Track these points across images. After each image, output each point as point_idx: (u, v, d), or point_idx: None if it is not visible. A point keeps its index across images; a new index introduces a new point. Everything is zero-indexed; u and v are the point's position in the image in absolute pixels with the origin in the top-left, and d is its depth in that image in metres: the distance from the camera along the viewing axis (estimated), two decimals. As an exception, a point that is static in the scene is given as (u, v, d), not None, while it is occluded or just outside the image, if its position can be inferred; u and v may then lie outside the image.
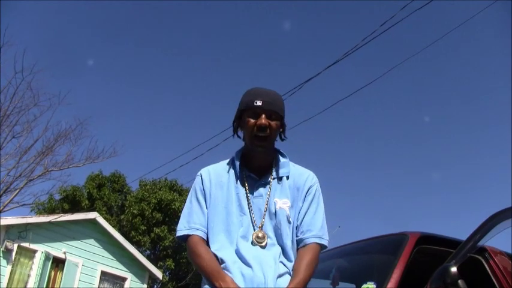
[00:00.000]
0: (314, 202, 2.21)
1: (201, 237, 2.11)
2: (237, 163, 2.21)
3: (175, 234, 2.25)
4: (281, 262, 2.06)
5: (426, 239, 3.20)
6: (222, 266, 2.01)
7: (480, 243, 2.75)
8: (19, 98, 12.12)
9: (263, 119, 2.10)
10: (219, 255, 2.04)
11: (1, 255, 13.98)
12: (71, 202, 24.33)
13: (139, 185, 26.87)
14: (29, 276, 14.67)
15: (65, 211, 21.10)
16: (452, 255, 2.62)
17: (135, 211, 25.14)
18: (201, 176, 2.25)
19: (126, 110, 41.58)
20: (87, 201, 24.81)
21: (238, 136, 2.27)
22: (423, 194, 43.01)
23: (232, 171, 2.23)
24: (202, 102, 44.06)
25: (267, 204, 2.13)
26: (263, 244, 2.06)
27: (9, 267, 14.18)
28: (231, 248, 2.05)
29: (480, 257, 3.29)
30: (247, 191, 2.16)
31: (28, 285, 14.51)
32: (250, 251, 2.02)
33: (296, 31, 42.93)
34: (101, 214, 19.48)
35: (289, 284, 1.97)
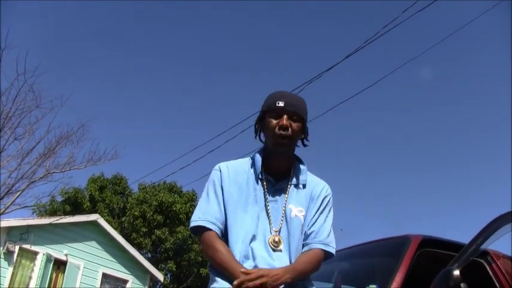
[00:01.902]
0: (324, 212, 2.21)
1: (217, 233, 2.07)
2: (259, 163, 2.19)
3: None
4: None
5: (428, 242, 3.20)
6: (245, 264, 2.00)
7: (483, 247, 2.74)
8: (21, 100, 12.14)
9: (285, 120, 2.11)
10: (238, 251, 2.03)
11: (2, 257, 13.98)
12: (73, 204, 24.32)
13: (139, 188, 26.87)
14: (30, 278, 14.66)
15: (66, 213, 21.10)
16: (454, 258, 2.62)
17: (136, 213, 25.12)
18: (220, 170, 2.21)
19: (127, 112, 41.61)
20: (88, 203, 24.80)
21: (261, 140, 2.27)
22: (426, 196, 42.98)
23: (251, 171, 2.21)
24: (202, 104, 44.11)
25: (284, 210, 2.13)
26: (279, 249, 2.05)
27: (11, 269, 14.19)
28: (245, 248, 2.03)
29: (483, 261, 3.29)
30: (266, 194, 2.15)
31: (29, 287, 14.51)
32: (262, 254, 2.02)
33: (298, 33, 42.98)
34: (103, 216, 19.50)
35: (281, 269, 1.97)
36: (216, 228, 2.08)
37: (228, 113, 40.33)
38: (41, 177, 12.46)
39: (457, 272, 2.46)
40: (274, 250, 2.04)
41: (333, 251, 2.17)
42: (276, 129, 2.11)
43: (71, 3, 29.65)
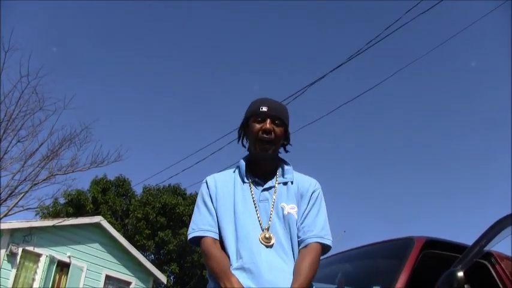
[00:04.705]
0: (316, 205, 2.25)
1: (213, 238, 2.13)
2: (243, 168, 2.27)
3: (186, 237, 2.31)
4: (289, 264, 2.08)
5: (432, 244, 3.19)
6: (238, 264, 2.03)
7: (486, 248, 2.74)
8: (24, 102, 12.08)
9: (268, 123, 2.19)
10: (232, 255, 2.07)
11: (6, 259, 14.00)
12: (76, 206, 24.36)
13: (143, 190, 26.95)
14: (33, 280, 14.69)
15: (69, 215, 21.11)
16: (458, 259, 2.62)
17: (139, 215, 25.16)
18: (207, 182, 2.29)
19: (131, 114, 41.68)
20: (91, 205, 24.83)
21: (243, 145, 2.35)
22: (427, 197, 42.87)
23: (237, 177, 2.28)
24: (205, 106, 44.13)
25: (272, 207, 2.17)
26: (270, 244, 2.08)
27: (14, 271, 14.21)
28: (242, 249, 2.06)
29: (486, 262, 3.28)
30: (253, 195, 2.20)
31: (33, 289, 14.54)
32: (260, 252, 2.04)
33: (300, 34, 43.00)
34: (106, 218, 19.50)
35: (293, 284, 1.98)
36: (211, 234, 2.14)
37: (231, 115, 40.34)
38: (44, 179, 12.41)
39: (461, 274, 2.46)
40: (266, 246, 2.07)
41: (330, 243, 2.18)
42: (260, 133, 2.19)
43: (71, 3, 29.71)
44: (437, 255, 3.22)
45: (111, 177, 27.15)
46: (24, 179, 12.07)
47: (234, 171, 2.32)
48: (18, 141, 12.18)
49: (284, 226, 2.14)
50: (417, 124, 41.90)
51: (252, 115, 2.25)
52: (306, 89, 9.33)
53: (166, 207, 25.69)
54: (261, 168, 2.27)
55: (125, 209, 26.75)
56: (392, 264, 3.15)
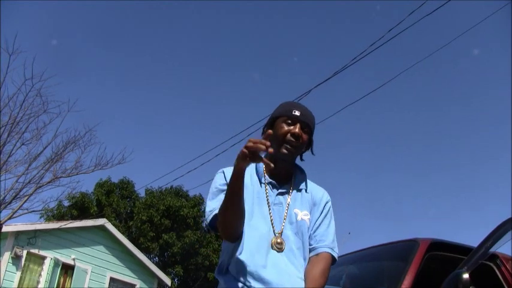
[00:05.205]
0: (328, 217, 2.26)
1: None
2: (261, 167, 2.25)
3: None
4: (299, 269, 2.08)
5: (437, 246, 3.19)
6: (249, 265, 2.01)
7: (492, 250, 2.73)
8: (28, 105, 12.10)
9: (298, 128, 2.17)
10: (243, 255, 2.03)
11: (11, 261, 14.04)
12: (80, 209, 24.39)
13: (146, 193, 26.96)
14: (38, 282, 14.71)
15: (73, 218, 21.15)
16: (463, 261, 2.61)
17: (143, 217, 25.16)
18: (224, 173, 2.23)
19: (134, 116, 41.74)
20: (96, 208, 24.85)
21: None
22: (433, 199, 42.77)
23: (254, 175, 2.25)
24: (209, 109, 44.17)
25: (286, 213, 2.16)
26: (282, 249, 2.07)
27: (19, 273, 14.24)
28: (254, 249, 2.05)
29: (491, 264, 3.27)
30: (268, 197, 2.18)
31: (37, 292, 14.57)
32: (270, 256, 2.04)
33: (304, 37, 43.00)
34: (110, 220, 19.51)
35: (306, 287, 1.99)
36: None
37: (235, 117, 40.39)
38: (48, 182, 12.43)
39: (466, 275, 2.45)
40: (278, 251, 2.06)
41: (337, 256, 2.19)
42: (288, 136, 2.16)
43: (73, 3, 29.77)
44: (442, 257, 3.22)
45: (115, 179, 27.25)
46: (29, 182, 12.10)
47: (251, 168, 2.27)
48: (23, 144, 12.21)
49: (296, 232, 2.13)
50: (418, 124, 41.83)
51: (282, 116, 2.22)
52: (310, 91, 9.32)
53: (171, 209, 25.69)
54: (278, 171, 2.22)
55: (129, 211, 26.77)
56: (397, 266, 3.15)
